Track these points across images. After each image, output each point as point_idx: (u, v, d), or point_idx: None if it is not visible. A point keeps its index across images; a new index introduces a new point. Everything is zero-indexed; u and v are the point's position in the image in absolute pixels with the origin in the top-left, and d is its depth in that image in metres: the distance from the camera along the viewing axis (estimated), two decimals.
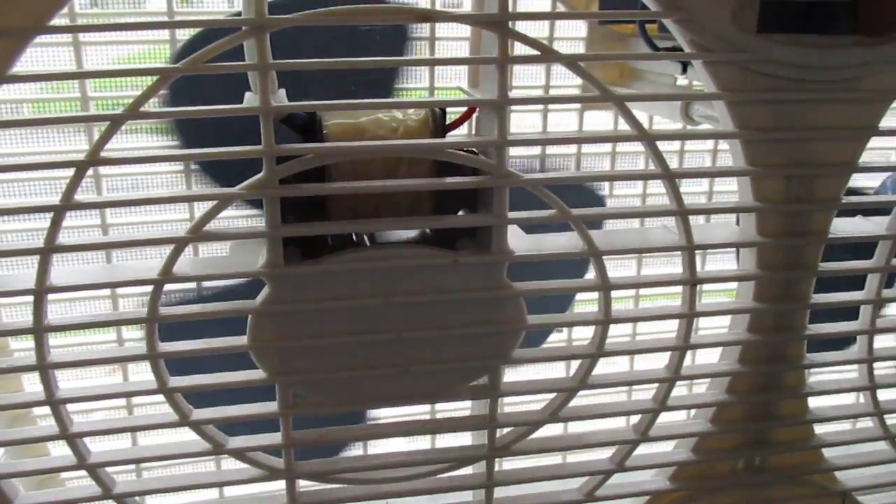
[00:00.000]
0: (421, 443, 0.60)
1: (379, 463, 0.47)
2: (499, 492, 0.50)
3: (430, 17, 0.39)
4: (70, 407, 0.43)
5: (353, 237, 0.45)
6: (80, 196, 0.38)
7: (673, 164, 0.43)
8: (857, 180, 0.54)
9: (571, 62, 0.41)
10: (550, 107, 0.63)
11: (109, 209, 0.52)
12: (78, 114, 0.42)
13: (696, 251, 0.45)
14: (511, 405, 0.60)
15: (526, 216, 0.43)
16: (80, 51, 0.49)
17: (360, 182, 0.41)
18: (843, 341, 0.56)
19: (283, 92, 0.42)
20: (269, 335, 0.42)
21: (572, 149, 0.63)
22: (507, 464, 0.52)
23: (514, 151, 0.53)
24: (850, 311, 0.51)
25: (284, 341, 0.42)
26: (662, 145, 0.43)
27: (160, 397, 0.43)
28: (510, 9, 0.39)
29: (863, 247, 0.49)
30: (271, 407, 0.44)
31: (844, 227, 0.49)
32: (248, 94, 0.41)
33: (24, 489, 0.44)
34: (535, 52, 0.40)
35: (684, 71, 0.52)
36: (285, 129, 0.42)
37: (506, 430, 0.48)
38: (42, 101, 0.50)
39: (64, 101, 0.50)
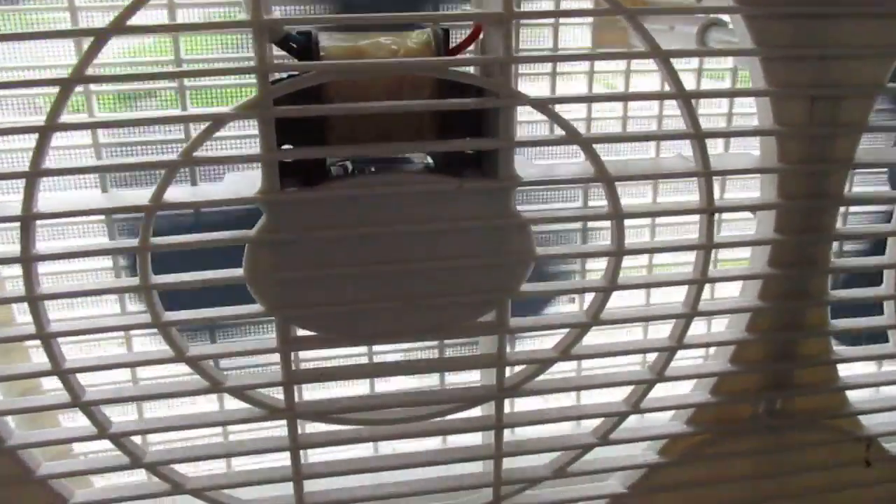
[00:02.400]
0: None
1: (384, 402, 0.45)
2: (510, 435, 0.48)
3: None
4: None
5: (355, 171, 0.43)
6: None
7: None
8: None
9: None
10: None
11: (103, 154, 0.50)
12: (63, 28, 0.40)
13: (714, 178, 0.43)
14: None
15: (534, 140, 0.41)
16: None
17: (360, 103, 0.39)
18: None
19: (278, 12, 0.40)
20: (267, 266, 0.40)
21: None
22: (519, 406, 0.51)
23: None
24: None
25: (282, 272, 0.41)
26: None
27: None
28: None
29: None
30: (269, 342, 0.42)
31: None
32: None
33: (16, 427, 0.43)
34: None
35: None
36: None
37: (516, 371, 0.46)
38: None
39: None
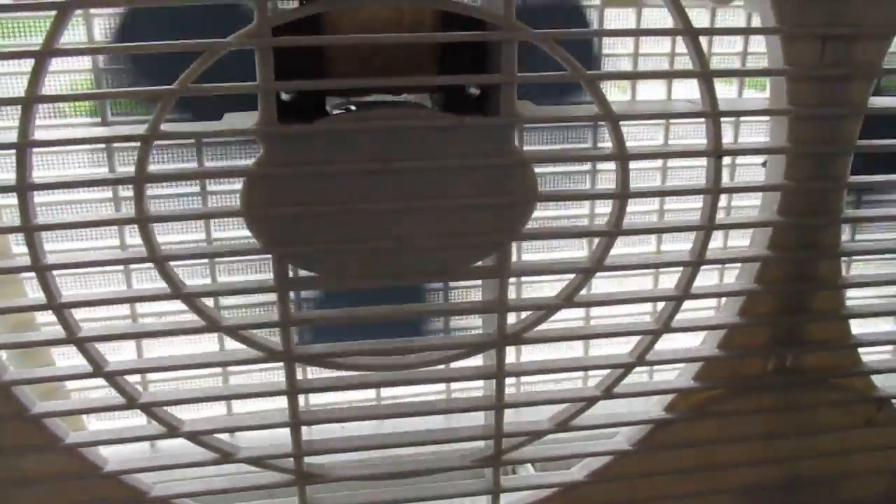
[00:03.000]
0: None
1: (382, 347, 0.44)
2: (514, 390, 0.47)
3: None
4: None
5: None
6: None
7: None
8: None
9: None
10: None
11: None
12: None
13: (725, 125, 0.42)
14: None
15: (535, 76, 0.40)
16: None
17: (359, 35, 0.38)
18: None
19: None
20: (264, 200, 0.40)
21: None
22: (525, 359, 0.50)
23: None
24: None
25: (279, 208, 0.40)
26: None
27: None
28: None
29: None
30: (266, 281, 0.42)
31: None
32: None
33: (13, 366, 0.43)
34: None
35: None
36: None
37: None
38: None
39: None
